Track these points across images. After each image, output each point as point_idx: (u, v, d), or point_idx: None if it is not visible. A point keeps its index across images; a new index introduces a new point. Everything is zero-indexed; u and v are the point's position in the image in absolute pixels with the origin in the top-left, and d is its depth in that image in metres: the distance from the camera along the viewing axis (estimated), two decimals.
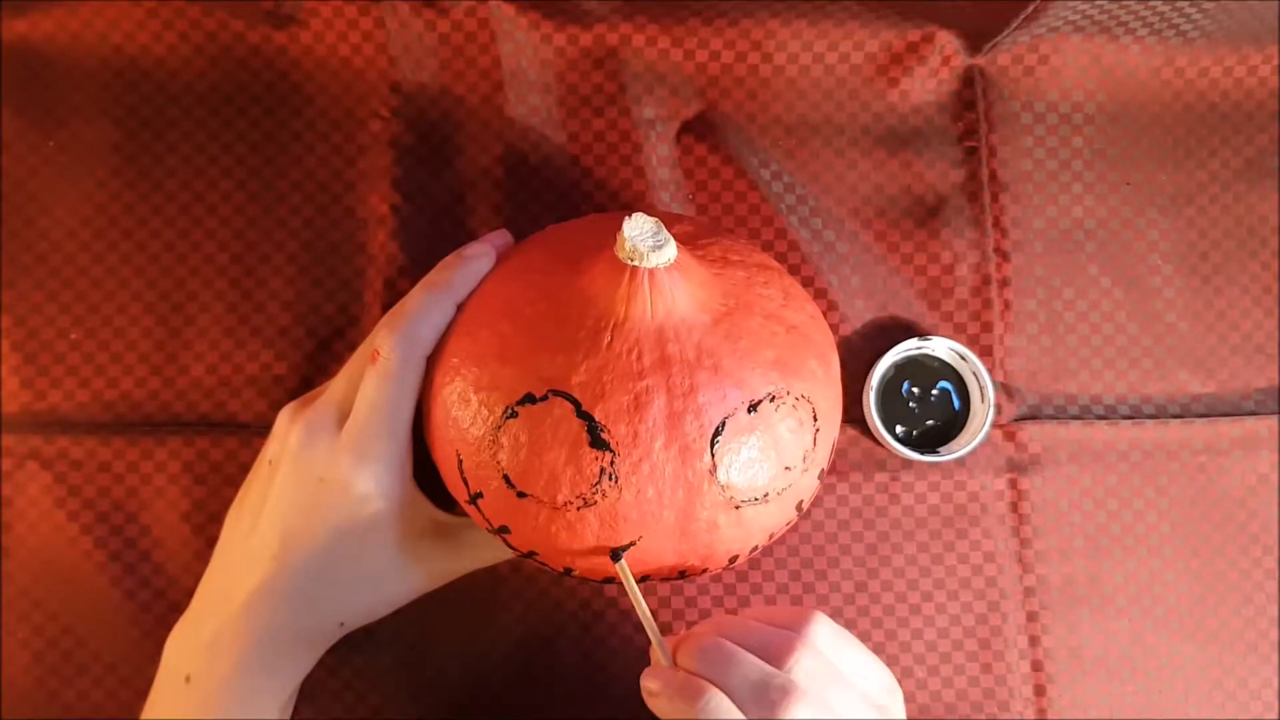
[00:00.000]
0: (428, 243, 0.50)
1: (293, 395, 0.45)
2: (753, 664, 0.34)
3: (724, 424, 0.36)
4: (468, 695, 0.48)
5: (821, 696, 0.34)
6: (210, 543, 0.44)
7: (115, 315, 0.50)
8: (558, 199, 0.51)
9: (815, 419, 0.39)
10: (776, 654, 0.34)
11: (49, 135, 0.51)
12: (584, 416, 0.35)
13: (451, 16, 0.50)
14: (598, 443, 0.35)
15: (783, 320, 0.39)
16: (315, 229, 0.51)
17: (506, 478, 0.36)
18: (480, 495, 0.38)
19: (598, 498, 0.36)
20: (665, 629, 0.49)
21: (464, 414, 0.37)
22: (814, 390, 0.39)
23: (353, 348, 0.47)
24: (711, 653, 0.35)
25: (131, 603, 0.49)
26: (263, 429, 0.44)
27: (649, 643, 0.49)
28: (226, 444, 0.49)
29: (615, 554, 0.37)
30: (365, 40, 0.51)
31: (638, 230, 0.35)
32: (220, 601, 0.41)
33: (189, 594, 0.43)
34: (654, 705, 0.35)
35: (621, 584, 0.37)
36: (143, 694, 0.43)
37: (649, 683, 0.35)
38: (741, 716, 0.33)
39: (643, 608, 0.37)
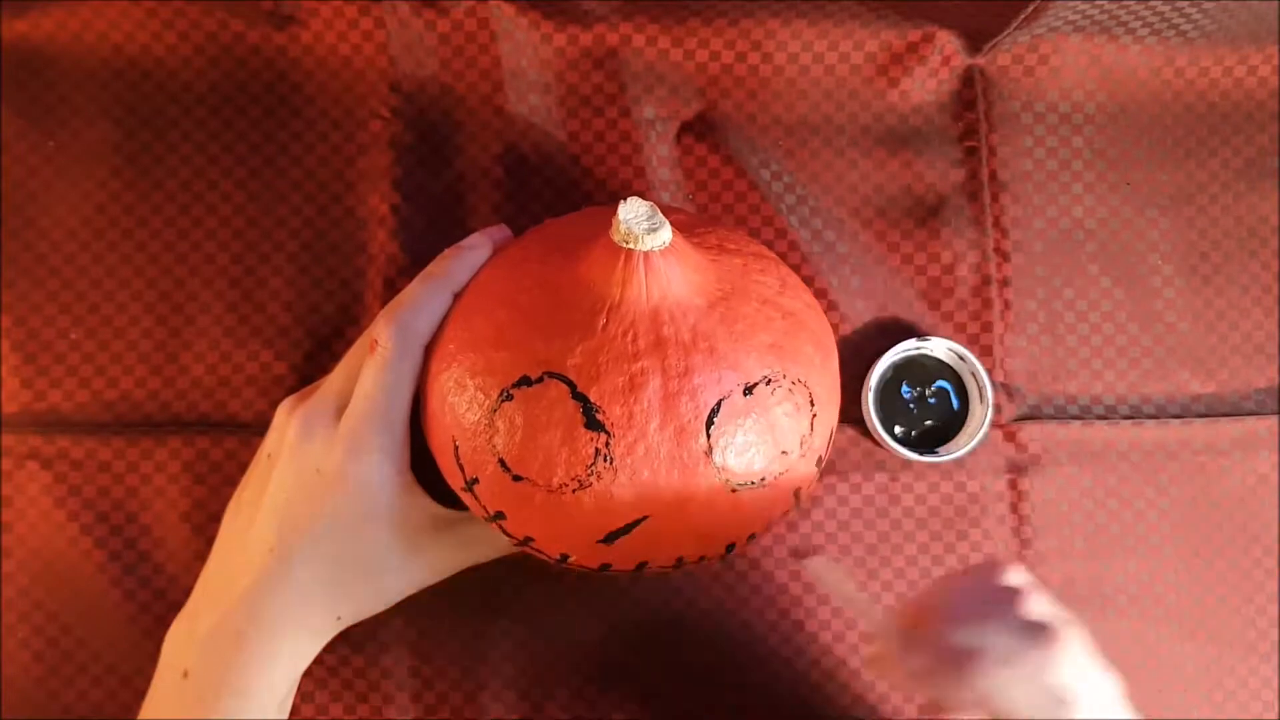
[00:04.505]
0: (428, 243, 0.50)
1: (292, 394, 0.45)
2: (1008, 619, 0.35)
3: (719, 406, 0.36)
4: (467, 695, 0.48)
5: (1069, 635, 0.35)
6: (210, 542, 0.44)
7: (115, 315, 0.50)
8: (557, 199, 0.51)
9: (812, 404, 0.39)
10: (1009, 605, 0.36)
11: (49, 135, 0.51)
12: (579, 398, 0.35)
13: (451, 16, 0.50)
14: (593, 424, 0.35)
15: (779, 306, 0.39)
16: (315, 229, 0.51)
17: (502, 461, 0.36)
18: (476, 481, 0.38)
19: (593, 480, 0.36)
20: (666, 628, 0.49)
21: (460, 400, 0.37)
22: (810, 375, 0.39)
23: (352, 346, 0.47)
24: (960, 618, 0.36)
25: (131, 603, 0.49)
26: (263, 429, 0.44)
27: (649, 643, 0.49)
28: (226, 444, 0.49)
29: (800, 554, 0.38)
30: (365, 40, 0.51)
31: (633, 213, 0.35)
32: (218, 595, 0.41)
33: (189, 594, 0.43)
34: (925, 686, 0.36)
35: (622, 571, 0.37)
36: (143, 694, 0.43)
37: (914, 661, 0.36)
38: (1024, 670, 0.34)
39: (849, 590, 0.37)
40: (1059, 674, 0.34)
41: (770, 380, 0.37)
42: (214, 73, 0.51)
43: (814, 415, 0.39)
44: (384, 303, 0.49)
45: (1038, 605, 0.36)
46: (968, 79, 0.52)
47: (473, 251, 0.42)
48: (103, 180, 0.51)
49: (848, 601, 0.37)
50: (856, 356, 0.50)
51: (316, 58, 0.51)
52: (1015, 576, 0.37)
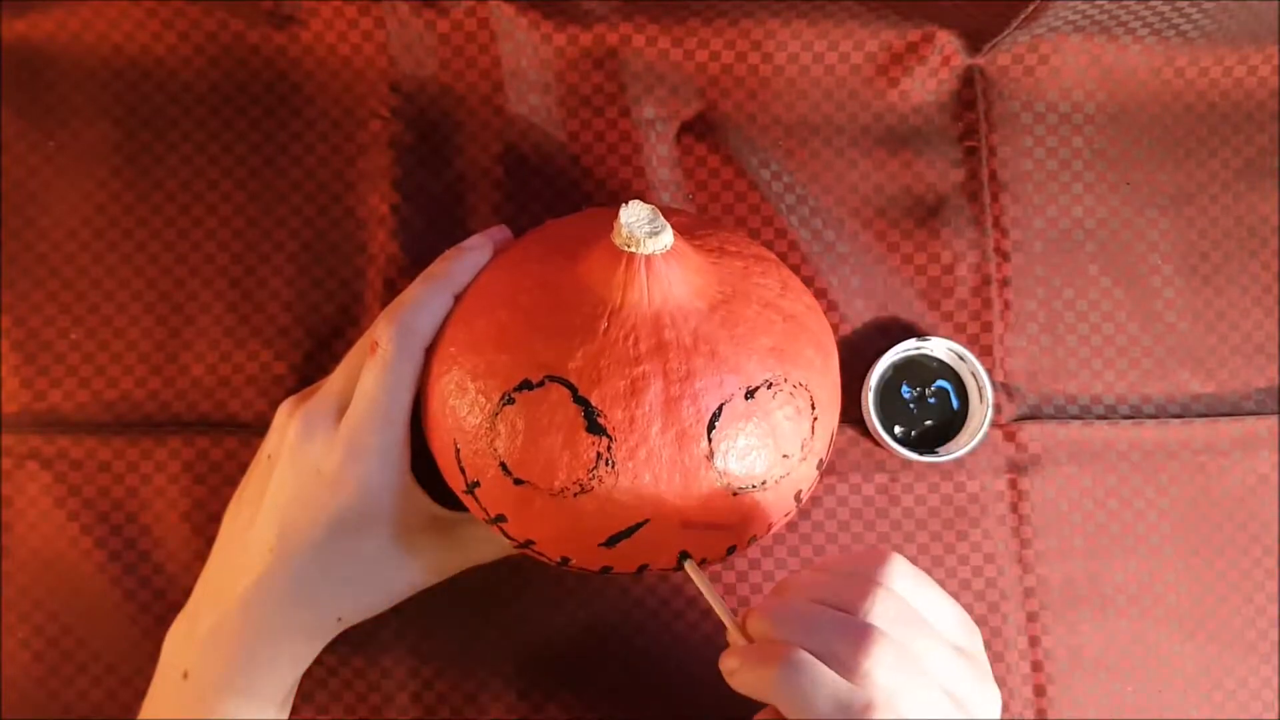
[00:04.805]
0: (428, 243, 0.50)
1: (292, 395, 0.45)
2: (827, 615, 0.33)
3: (721, 410, 0.36)
4: (467, 695, 0.48)
5: (901, 639, 0.32)
6: (210, 542, 0.44)
7: (115, 315, 0.50)
8: (557, 199, 0.51)
9: (813, 407, 0.39)
10: (851, 601, 0.33)
11: (49, 135, 0.51)
12: (581, 402, 0.35)
13: (451, 16, 0.50)
14: (594, 428, 0.35)
15: (780, 309, 0.39)
16: (315, 229, 0.51)
17: (504, 465, 0.36)
18: (477, 484, 0.38)
19: (594, 483, 0.36)
20: (667, 629, 0.49)
21: (461, 402, 0.37)
22: (811, 378, 0.39)
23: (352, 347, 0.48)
24: (782, 614, 0.33)
25: (131, 603, 0.49)
26: (263, 429, 0.44)
27: (649, 643, 0.49)
28: (226, 444, 0.49)
29: (682, 555, 0.37)
30: (365, 40, 0.51)
31: (634, 217, 0.35)
32: (218, 596, 0.41)
33: (189, 594, 0.43)
34: (736, 683, 0.34)
35: (628, 574, 0.37)
36: (143, 694, 0.43)
37: (727, 662, 0.34)
38: (827, 670, 0.31)
39: (712, 593, 0.36)
40: (862, 680, 0.31)
41: (771, 384, 0.37)
42: (214, 73, 0.51)
43: (815, 418, 0.39)
44: (384, 303, 0.49)
45: (879, 606, 0.33)
46: (968, 79, 0.52)
47: (473, 252, 0.42)
48: (103, 180, 0.51)
49: (714, 603, 0.36)
50: (856, 356, 0.50)
51: (316, 58, 0.51)
52: (886, 571, 0.34)
